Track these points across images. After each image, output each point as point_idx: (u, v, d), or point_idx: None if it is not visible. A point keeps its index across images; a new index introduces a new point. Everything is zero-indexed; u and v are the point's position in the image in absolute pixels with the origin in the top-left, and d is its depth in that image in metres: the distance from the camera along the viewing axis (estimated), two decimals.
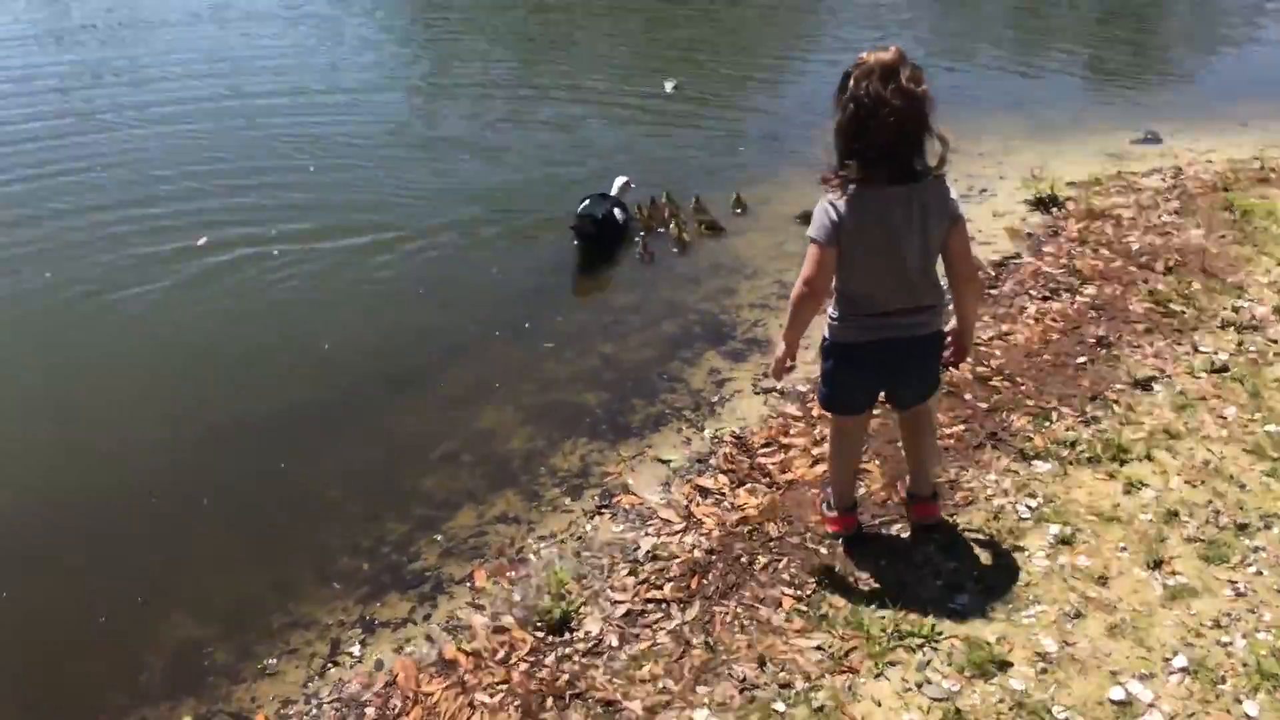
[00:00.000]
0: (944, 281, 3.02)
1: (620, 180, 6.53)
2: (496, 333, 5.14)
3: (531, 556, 3.61)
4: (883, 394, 3.22)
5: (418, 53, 11.43)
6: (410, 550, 3.68)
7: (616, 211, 6.19)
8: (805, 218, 6.22)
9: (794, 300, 2.98)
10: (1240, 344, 4.53)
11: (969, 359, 3.36)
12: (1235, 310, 4.85)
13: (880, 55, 2.68)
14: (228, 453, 4.25)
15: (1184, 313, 4.87)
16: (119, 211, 6.59)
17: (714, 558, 3.43)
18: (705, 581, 3.32)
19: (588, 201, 6.15)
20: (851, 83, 2.72)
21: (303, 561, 3.65)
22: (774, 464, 3.95)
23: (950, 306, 3.06)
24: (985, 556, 3.30)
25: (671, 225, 6.27)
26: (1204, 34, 11.11)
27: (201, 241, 6.07)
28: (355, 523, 3.83)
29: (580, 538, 3.67)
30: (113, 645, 3.32)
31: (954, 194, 2.84)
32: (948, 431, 4.01)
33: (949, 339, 3.08)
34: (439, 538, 3.74)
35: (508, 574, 3.53)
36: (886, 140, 2.70)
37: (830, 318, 3.06)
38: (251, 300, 5.49)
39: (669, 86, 9.35)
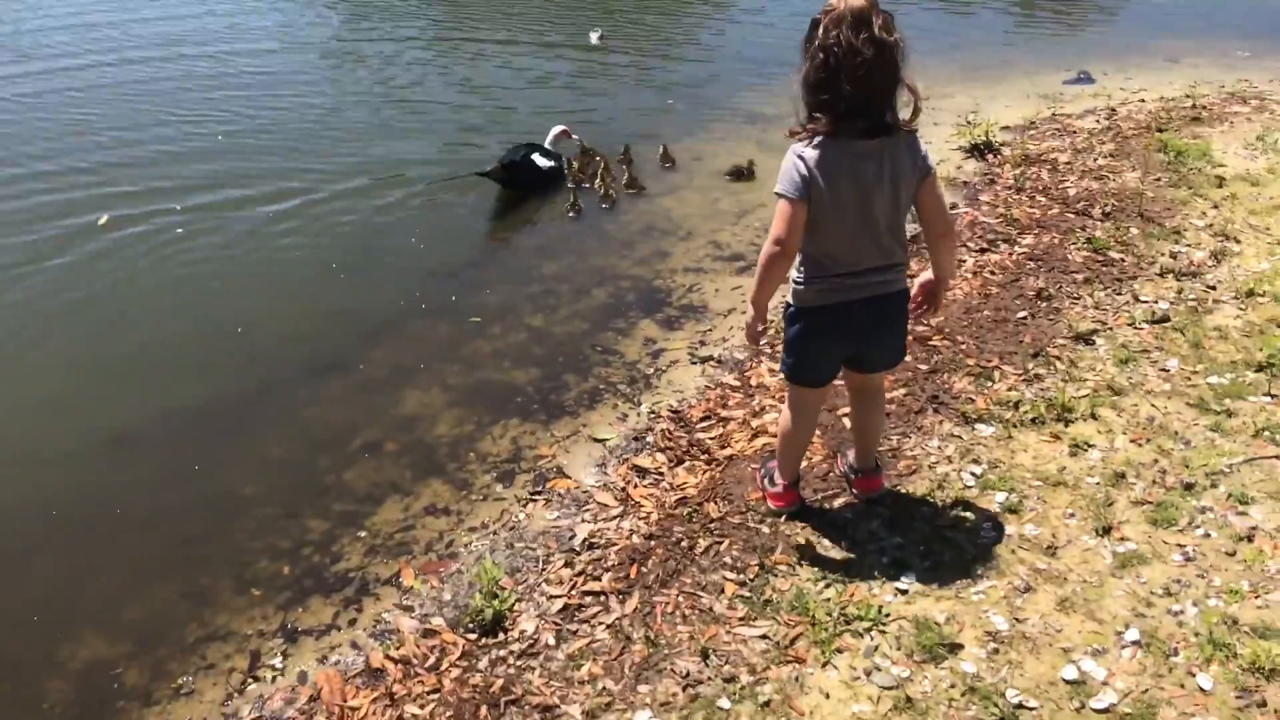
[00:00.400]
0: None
1: (556, 129, 6.44)
2: (418, 308, 4.91)
3: (462, 550, 3.43)
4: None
5: (323, 12, 10.93)
6: (333, 550, 3.48)
7: (537, 157, 6.14)
8: (736, 173, 6.23)
9: (763, 260, 2.78)
10: (1180, 292, 4.46)
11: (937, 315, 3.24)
12: (1173, 256, 4.79)
13: (851, 1, 2.51)
14: (131, 452, 3.97)
15: (1123, 260, 4.79)
16: (8, 189, 6.17)
17: (653, 543, 3.28)
18: (644, 570, 3.17)
19: (511, 148, 6.15)
20: (820, 31, 2.56)
21: (218, 567, 3.42)
22: (712, 439, 3.80)
23: (925, 260, 2.99)
24: (929, 530, 3.19)
25: (597, 180, 6.06)
26: None
27: (103, 220, 5.72)
28: (273, 522, 3.61)
29: (513, 528, 3.50)
30: (10, 671, 3.09)
31: (924, 148, 2.70)
32: (889, 396, 3.89)
33: (921, 290, 2.97)
34: (363, 534, 3.54)
35: (437, 571, 3.35)
36: (858, 92, 2.54)
37: (794, 281, 2.88)
38: (156, 281, 5.16)
39: (594, 38, 9.06)
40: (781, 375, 3.18)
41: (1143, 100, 7.14)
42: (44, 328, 4.75)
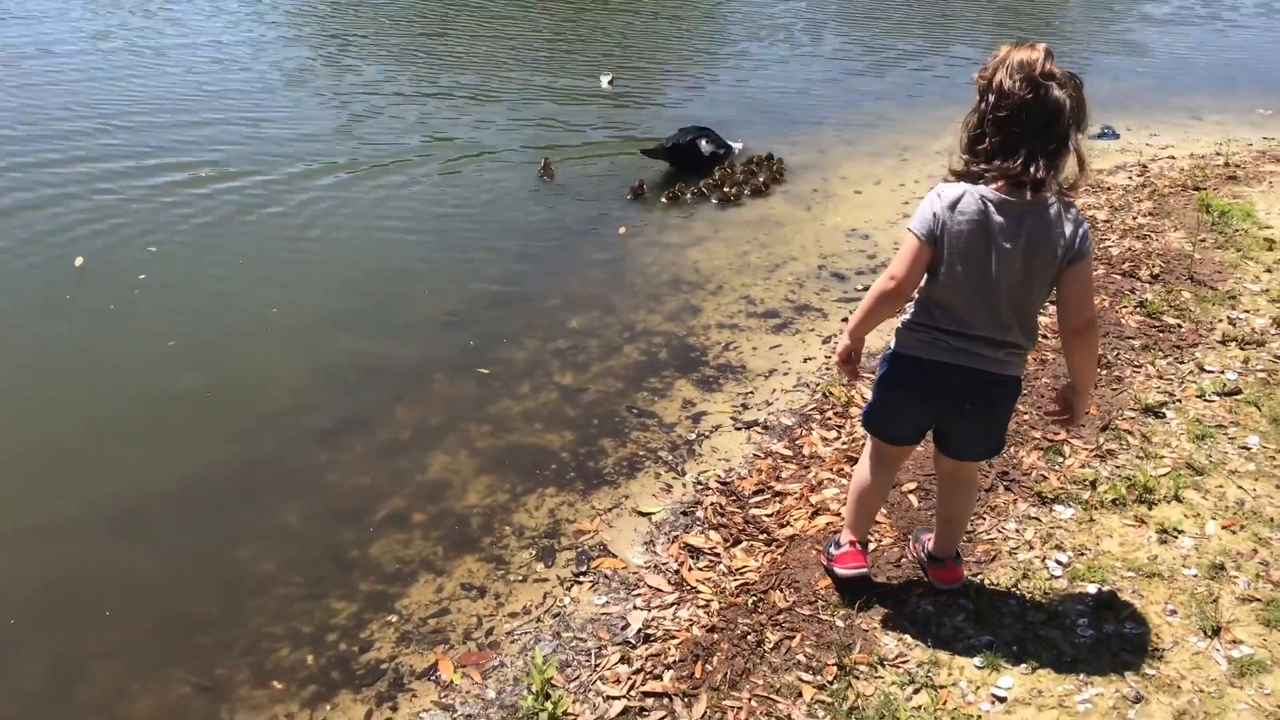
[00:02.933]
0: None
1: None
2: (439, 361, 4.62)
3: (504, 640, 3.13)
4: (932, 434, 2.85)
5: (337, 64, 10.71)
6: (361, 636, 3.17)
7: (703, 143, 6.90)
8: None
9: (874, 291, 2.59)
10: (1246, 361, 4.26)
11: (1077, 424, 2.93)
12: (1232, 323, 4.59)
13: (1021, 49, 2.36)
14: (136, 523, 3.64)
15: (1179, 326, 4.59)
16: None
17: (716, 636, 2.99)
18: (709, 668, 2.88)
19: (681, 130, 7.03)
20: (997, 74, 2.37)
21: (235, 655, 3.10)
22: (769, 516, 3.53)
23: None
24: (1021, 627, 2.92)
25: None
26: (1117, 26, 10.99)
27: (79, 262, 5.39)
28: (295, 603, 3.29)
29: (558, 614, 3.20)
30: None
31: (1083, 226, 2.44)
32: None
33: (1059, 399, 2.74)
34: (393, 619, 3.23)
35: (478, 663, 3.05)
36: (1009, 139, 2.36)
37: (902, 321, 2.69)
38: (157, 330, 4.85)
39: (605, 82, 8.87)
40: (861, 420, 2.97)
41: (1173, 157, 7.01)
42: (35, 384, 4.43)
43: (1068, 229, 2.41)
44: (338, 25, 11.10)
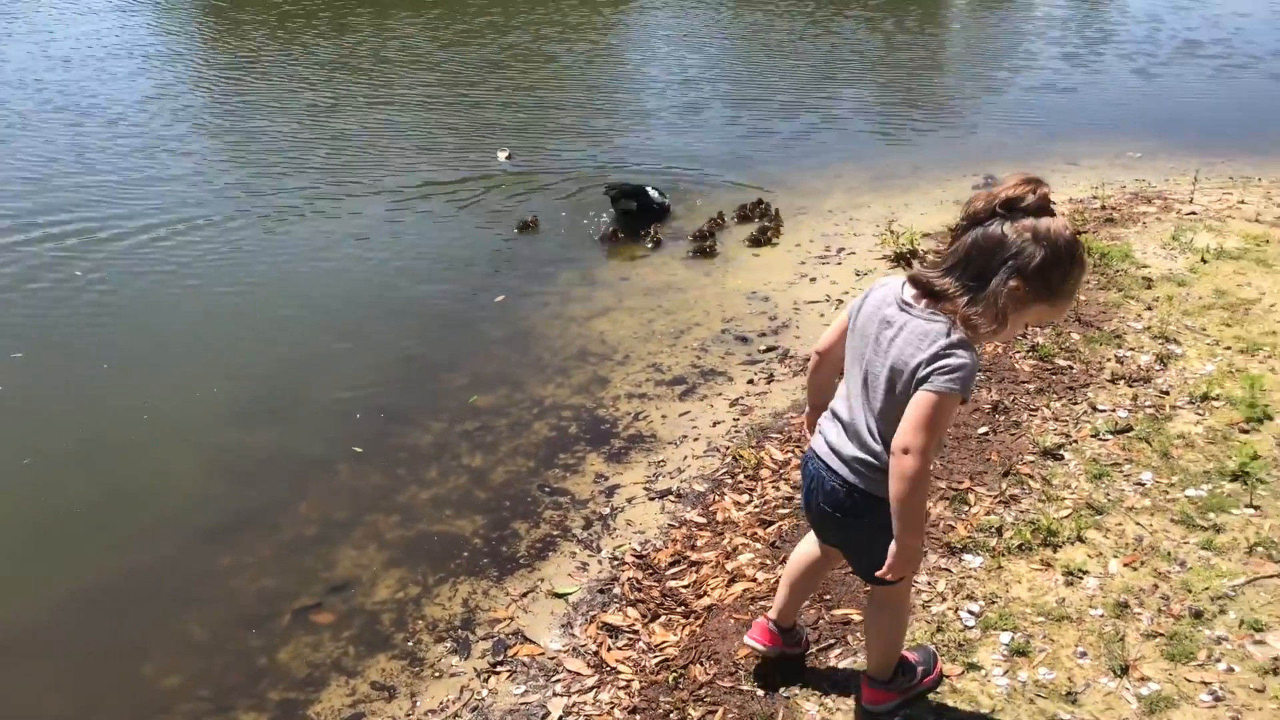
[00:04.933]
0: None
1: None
2: (339, 453, 4.52)
3: None
4: None
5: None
6: None
7: (652, 191, 7.35)
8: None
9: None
10: (1135, 399, 4.40)
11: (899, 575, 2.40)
12: (1120, 361, 4.75)
13: (1011, 181, 2.23)
14: (26, 650, 3.48)
15: (1071, 368, 4.73)
16: None
17: (639, 717, 2.95)
18: None
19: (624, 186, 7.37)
20: (980, 198, 2.26)
21: None
22: (686, 587, 3.51)
23: None
24: (940, 681, 2.94)
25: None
26: (995, 78, 11.49)
27: None
28: (204, 718, 3.16)
29: (475, 708, 3.12)
30: None
31: (953, 360, 2.18)
32: None
33: None
34: None
35: None
36: (954, 254, 2.25)
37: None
38: (34, 428, 4.69)
39: (501, 157, 8.91)
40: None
41: (1054, 203, 7.28)
42: None
43: (934, 349, 2.21)
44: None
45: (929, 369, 2.19)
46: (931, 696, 2.88)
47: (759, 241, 6.80)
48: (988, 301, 2.19)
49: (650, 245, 6.88)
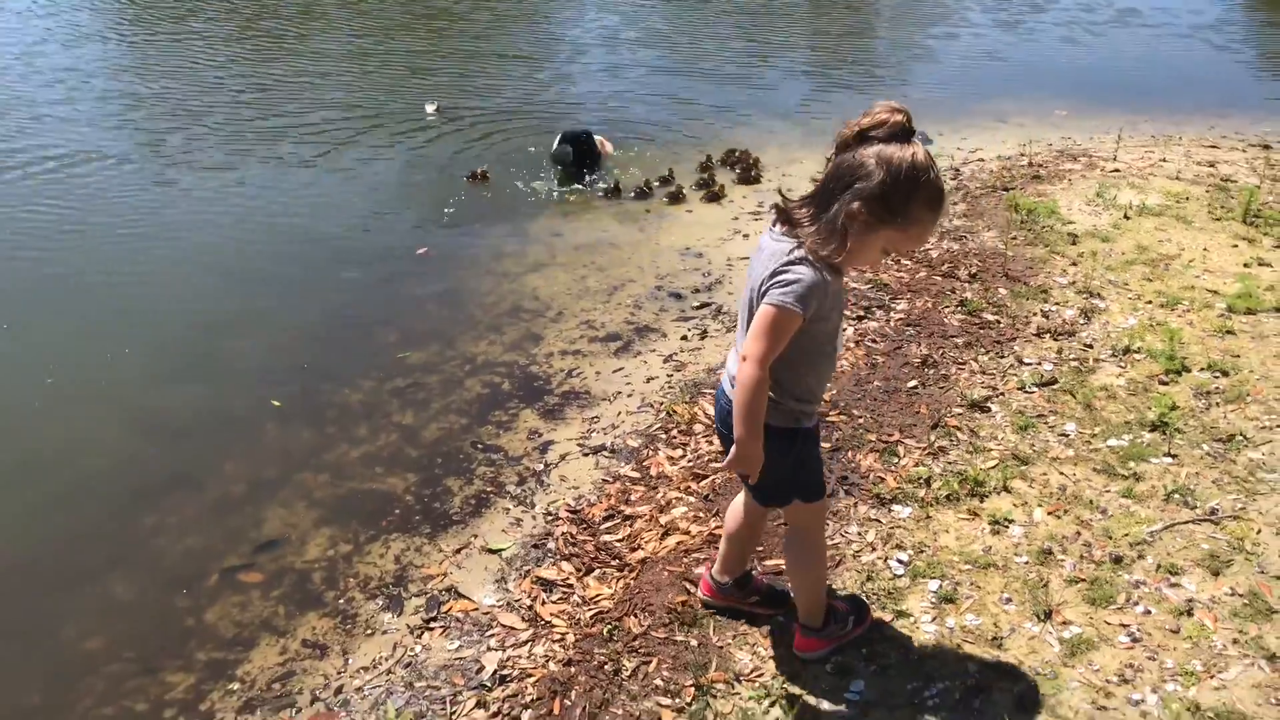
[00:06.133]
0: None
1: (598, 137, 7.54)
2: (266, 412, 4.42)
3: (354, 697, 3.00)
4: None
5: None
6: (201, 709, 2.98)
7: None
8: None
9: None
10: (1060, 352, 4.49)
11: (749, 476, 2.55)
12: (1045, 315, 4.85)
13: (870, 109, 2.34)
14: None
15: (999, 322, 4.81)
16: None
17: (573, 669, 2.95)
18: (569, 703, 2.84)
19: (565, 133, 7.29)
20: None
21: None
22: (620, 541, 3.51)
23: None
24: (870, 629, 2.98)
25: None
26: (926, 37, 11.57)
27: None
28: (127, 681, 3.08)
29: (409, 664, 3.10)
30: None
31: (789, 275, 2.29)
32: None
33: None
34: (235, 686, 3.06)
35: None
36: (820, 182, 2.38)
37: None
38: None
39: (430, 109, 8.74)
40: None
41: (982, 160, 7.37)
42: None
43: (777, 264, 2.32)
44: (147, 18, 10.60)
45: (769, 284, 2.32)
46: (862, 645, 2.92)
47: (705, 197, 6.79)
48: (828, 224, 2.30)
49: (598, 194, 6.91)
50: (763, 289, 2.33)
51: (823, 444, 3.90)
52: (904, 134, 2.28)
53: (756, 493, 2.73)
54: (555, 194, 6.97)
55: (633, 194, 6.88)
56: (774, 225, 2.44)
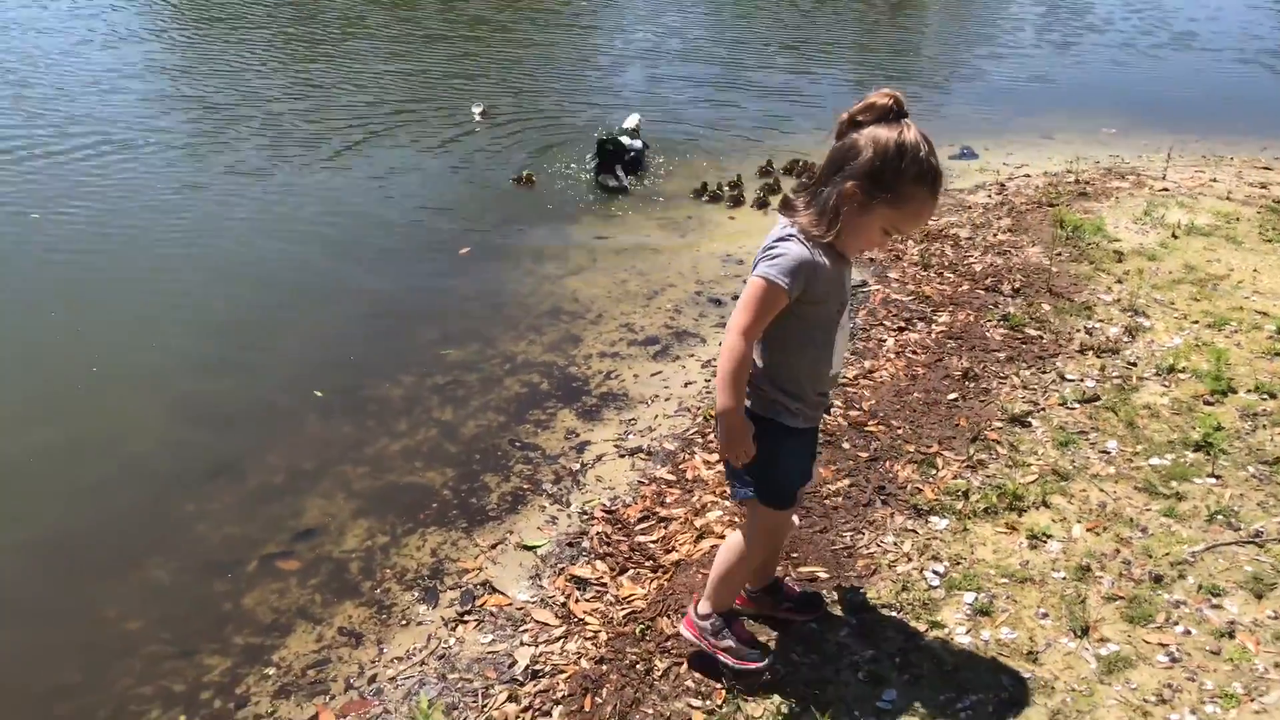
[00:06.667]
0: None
1: (636, 116, 7.55)
2: (309, 403, 4.48)
3: (387, 686, 3.03)
4: None
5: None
6: (237, 692, 3.03)
7: (625, 139, 7.19)
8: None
9: None
10: (1103, 369, 4.45)
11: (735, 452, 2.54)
12: (1089, 332, 4.80)
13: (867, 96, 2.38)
14: None
15: (1041, 337, 4.77)
16: None
17: (605, 668, 2.96)
18: (599, 700, 2.85)
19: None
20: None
21: None
22: (655, 543, 3.52)
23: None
24: (902, 639, 2.97)
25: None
26: (973, 51, 11.51)
27: None
28: (165, 662, 3.13)
29: (443, 656, 3.12)
30: None
31: (773, 250, 2.37)
32: (833, 488, 3.71)
33: None
34: (270, 671, 3.10)
35: (361, 712, 2.95)
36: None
37: None
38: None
39: (477, 112, 8.81)
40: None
41: (1028, 175, 7.32)
42: None
43: (768, 242, 2.41)
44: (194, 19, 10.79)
45: (759, 258, 2.39)
46: (894, 653, 2.91)
47: (739, 203, 6.81)
48: (820, 204, 2.36)
49: (658, 197, 6.93)
50: (755, 263, 2.40)
51: (860, 454, 3.91)
52: (894, 115, 2.32)
53: (726, 472, 2.74)
54: (596, 198, 7.00)
55: (706, 197, 6.91)
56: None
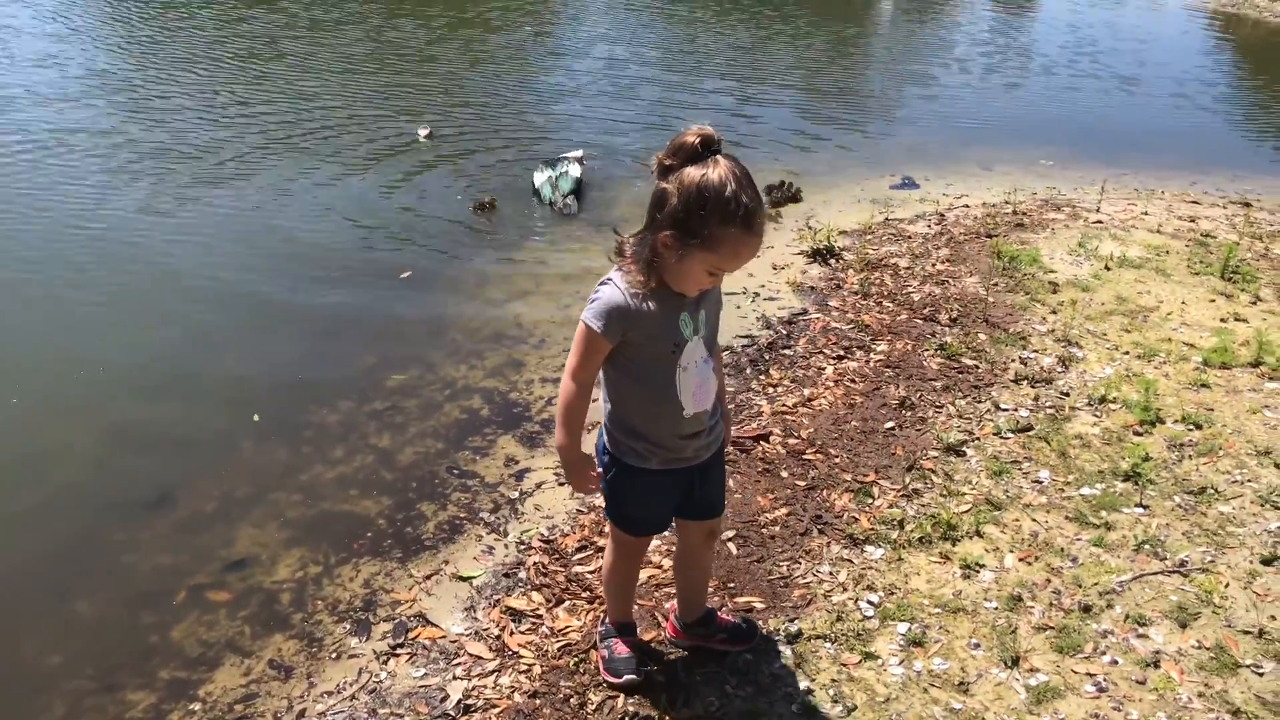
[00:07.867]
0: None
1: (576, 153, 7.83)
2: (243, 430, 4.41)
3: None
4: None
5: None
6: None
7: (573, 169, 7.47)
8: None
9: None
10: (1037, 399, 4.53)
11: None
12: (1024, 362, 4.88)
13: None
14: None
15: (977, 367, 4.85)
16: None
17: (539, 701, 2.93)
18: None
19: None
20: None
21: None
22: (592, 573, 3.50)
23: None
24: (836, 670, 2.99)
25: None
26: (918, 86, 11.73)
27: None
28: (85, 699, 3.04)
29: (374, 690, 3.07)
30: None
31: (595, 294, 2.42)
32: (770, 517, 3.72)
33: None
34: (196, 707, 3.03)
35: None
36: None
37: None
38: None
39: (422, 134, 8.77)
40: None
41: (967, 206, 7.44)
42: None
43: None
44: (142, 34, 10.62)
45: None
46: (828, 685, 2.92)
47: None
48: (637, 254, 2.36)
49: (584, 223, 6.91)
50: None
51: (798, 482, 3.93)
52: (702, 154, 2.26)
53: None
54: (543, 223, 7.00)
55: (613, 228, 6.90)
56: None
